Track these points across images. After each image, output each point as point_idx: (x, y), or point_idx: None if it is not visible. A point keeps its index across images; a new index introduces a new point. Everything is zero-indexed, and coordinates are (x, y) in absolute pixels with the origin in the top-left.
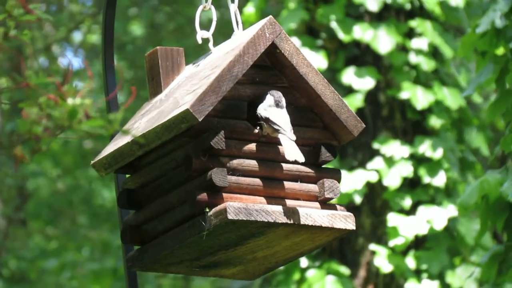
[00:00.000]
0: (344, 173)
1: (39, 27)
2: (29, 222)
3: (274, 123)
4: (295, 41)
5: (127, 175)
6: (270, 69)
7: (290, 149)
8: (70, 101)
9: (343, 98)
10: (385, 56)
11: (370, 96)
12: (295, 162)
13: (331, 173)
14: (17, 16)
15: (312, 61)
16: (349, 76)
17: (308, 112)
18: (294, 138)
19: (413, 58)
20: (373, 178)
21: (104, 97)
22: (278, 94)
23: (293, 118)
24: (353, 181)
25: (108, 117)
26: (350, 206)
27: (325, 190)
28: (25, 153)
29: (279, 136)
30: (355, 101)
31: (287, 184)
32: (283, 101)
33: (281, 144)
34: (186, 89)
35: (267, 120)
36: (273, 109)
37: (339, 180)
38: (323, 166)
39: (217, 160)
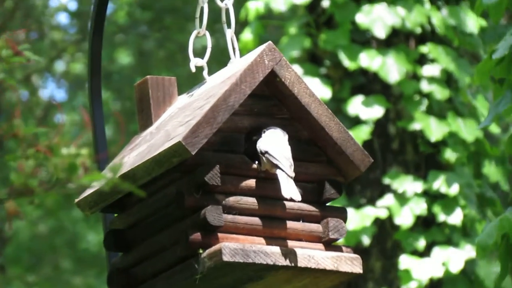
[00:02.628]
0: (351, 211)
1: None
2: (8, 268)
3: (273, 157)
4: (297, 69)
5: (115, 214)
6: (270, 98)
7: (286, 186)
8: (64, 151)
9: (349, 130)
10: (394, 85)
11: (379, 127)
12: (293, 200)
13: (337, 212)
14: (6, 58)
15: (315, 90)
16: (355, 106)
17: (311, 145)
18: (293, 175)
19: (425, 86)
20: (383, 216)
21: (90, 130)
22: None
23: (295, 152)
24: (361, 220)
25: (109, 169)
26: (358, 248)
27: (330, 230)
28: (19, 208)
29: (277, 172)
30: (362, 133)
31: (289, 224)
32: (281, 135)
33: None
34: (178, 120)
35: (265, 153)
36: (273, 142)
37: (345, 220)
38: (327, 204)
39: (212, 197)
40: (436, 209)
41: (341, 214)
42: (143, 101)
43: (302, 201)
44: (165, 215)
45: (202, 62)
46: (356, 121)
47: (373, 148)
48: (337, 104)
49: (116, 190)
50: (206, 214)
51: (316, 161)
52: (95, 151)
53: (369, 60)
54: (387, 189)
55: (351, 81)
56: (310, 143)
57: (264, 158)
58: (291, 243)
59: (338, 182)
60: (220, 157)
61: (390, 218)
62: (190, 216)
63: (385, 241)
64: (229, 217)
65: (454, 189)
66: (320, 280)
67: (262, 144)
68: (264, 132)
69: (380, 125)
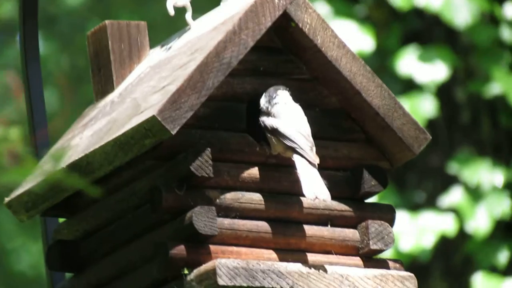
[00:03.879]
0: (401, 212)
1: None
2: None
3: (286, 137)
4: (322, 8)
5: (61, 220)
6: (282, 52)
7: (308, 177)
8: None
9: (398, 97)
10: (464, 32)
11: (442, 92)
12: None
13: (380, 211)
14: None
15: (348, 39)
16: (407, 61)
17: (342, 117)
18: (317, 160)
19: (506, 34)
20: (449, 221)
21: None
22: (279, 90)
23: (318, 128)
24: (416, 226)
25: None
26: (413, 264)
27: (371, 237)
28: None
29: (293, 157)
30: (418, 101)
31: (310, 230)
32: (289, 101)
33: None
34: (151, 85)
35: (275, 131)
36: (283, 112)
37: (391, 223)
38: (366, 200)
39: (201, 195)
40: None
41: (387, 215)
42: (100, 57)
43: (332, 197)
44: (134, 221)
45: (184, 0)
46: (408, 84)
47: (434, 121)
48: (381, 60)
49: (61, 186)
50: (193, 218)
51: (349, 140)
52: (30, 131)
53: None
54: (453, 180)
55: (402, 27)
56: (340, 114)
57: (273, 137)
58: (314, 257)
59: (382, 169)
60: (211, 137)
61: (458, 223)
62: (170, 221)
63: (452, 255)
64: (226, 221)
65: None
66: None
67: (270, 117)
68: (272, 98)
69: (443, 90)
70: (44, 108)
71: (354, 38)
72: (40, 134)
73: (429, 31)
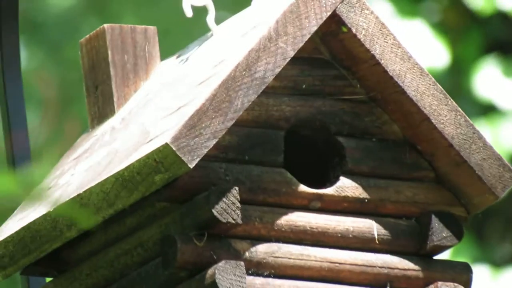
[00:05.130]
0: (481, 271)
1: None
2: None
3: None
4: (382, 8)
5: (48, 279)
6: (330, 65)
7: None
8: None
9: (477, 123)
10: None
11: None
12: (375, 251)
13: (453, 271)
14: None
15: (416, 49)
16: (489, 77)
17: (406, 150)
18: None
19: None
20: None
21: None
22: None
23: (375, 163)
24: (500, 286)
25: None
26: None
27: None
28: None
29: None
30: (503, 129)
31: None
32: None
33: (350, 214)
34: (163, 106)
35: None
36: None
37: (468, 285)
38: (436, 257)
39: (227, 246)
40: None
41: (461, 275)
42: (97, 71)
43: (392, 252)
44: (140, 280)
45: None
46: (490, 107)
47: None
48: (456, 76)
49: (46, 236)
50: (216, 276)
51: (414, 179)
52: (9, 161)
53: None
54: None
55: (483, 35)
56: (403, 145)
57: None
58: None
59: (456, 216)
60: (239, 172)
61: None
62: (188, 280)
63: None
64: (258, 281)
65: None
66: None
67: None
68: None
69: None
70: (27, 136)
71: (423, 47)
72: (20, 170)
73: None
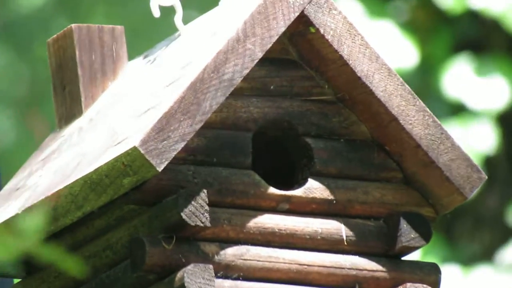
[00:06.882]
0: (451, 270)
1: None
2: None
3: None
4: (351, 8)
5: (15, 280)
6: (298, 66)
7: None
8: None
9: (446, 123)
10: None
11: (503, 119)
12: (345, 252)
13: (421, 272)
14: None
15: (383, 49)
16: (458, 77)
17: (374, 150)
18: None
19: None
20: (510, 280)
21: None
22: None
23: (343, 164)
24: (470, 285)
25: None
26: None
27: None
28: None
29: None
30: (472, 130)
31: None
32: None
33: (318, 215)
34: (131, 108)
35: None
36: None
37: (436, 286)
38: (404, 257)
39: (195, 249)
40: None
41: (430, 276)
42: (65, 71)
43: (360, 253)
44: (109, 282)
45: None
46: (459, 107)
47: (491, 157)
48: (424, 76)
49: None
50: (185, 279)
51: (382, 180)
52: None
53: None
54: None
55: (453, 34)
56: (371, 146)
57: None
58: None
59: (424, 217)
60: (208, 175)
61: None
62: (156, 283)
63: None
64: (227, 284)
65: None
66: None
67: None
68: None
69: (505, 115)
70: None
71: (392, 47)
72: None
73: (485, 41)
